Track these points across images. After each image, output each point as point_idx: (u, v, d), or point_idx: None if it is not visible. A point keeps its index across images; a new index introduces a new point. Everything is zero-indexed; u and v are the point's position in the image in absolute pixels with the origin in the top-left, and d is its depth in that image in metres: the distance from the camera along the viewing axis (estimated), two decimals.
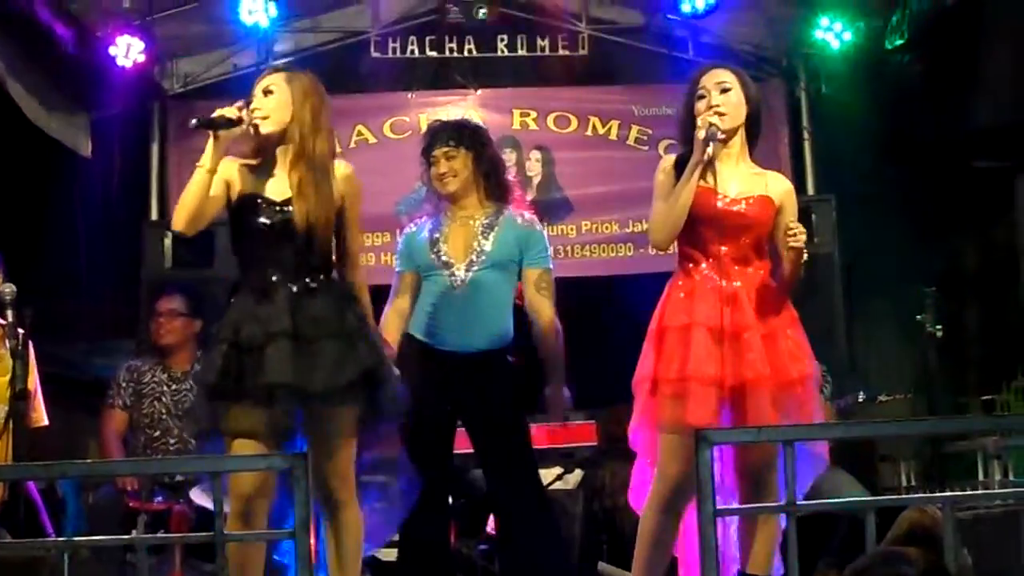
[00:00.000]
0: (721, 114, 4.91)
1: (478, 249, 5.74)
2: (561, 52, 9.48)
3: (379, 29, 9.41)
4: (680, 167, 4.92)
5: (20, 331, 5.59)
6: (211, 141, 4.75)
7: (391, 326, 5.79)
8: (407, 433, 5.68)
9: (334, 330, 4.75)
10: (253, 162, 4.90)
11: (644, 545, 4.89)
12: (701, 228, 4.89)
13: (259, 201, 4.82)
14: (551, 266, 5.88)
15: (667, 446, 4.82)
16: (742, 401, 4.77)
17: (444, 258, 5.76)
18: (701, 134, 4.82)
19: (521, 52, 9.47)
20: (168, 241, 8.70)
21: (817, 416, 4.93)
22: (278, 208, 4.79)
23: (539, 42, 9.49)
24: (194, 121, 4.79)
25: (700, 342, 4.79)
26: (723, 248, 4.89)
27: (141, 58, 8.43)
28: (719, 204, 4.88)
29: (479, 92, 9.51)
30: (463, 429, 5.88)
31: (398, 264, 5.98)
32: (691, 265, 4.94)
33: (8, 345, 5.68)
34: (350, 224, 4.92)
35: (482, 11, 9.04)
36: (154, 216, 9.17)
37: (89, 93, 8.57)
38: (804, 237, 4.80)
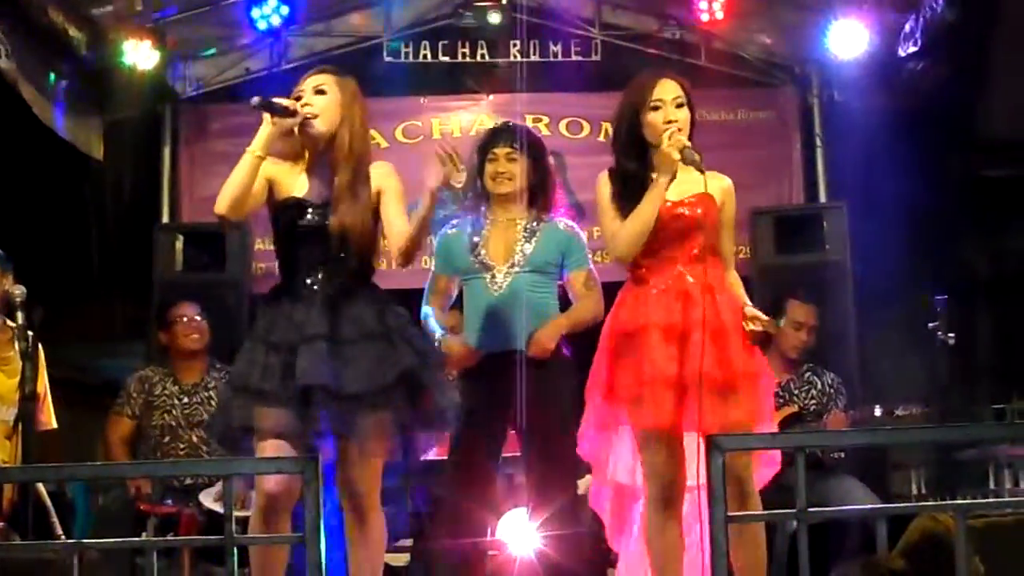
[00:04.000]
0: (679, 129, 4.87)
1: (519, 252, 5.76)
2: (574, 58, 9.48)
3: (392, 34, 9.41)
4: (618, 181, 4.94)
5: (30, 333, 5.61)
6: (265, 127, 4.72)
7: (436, 317, 5.81)
8: (458, 438, 5.69)
9: (373, 331, 4.71)
10: (291, 163, 4.87)
11: (651, 548, 4.89)
12: (650, 234, 4.88)
13: (298, 203, 4.81)
14: (592, 268, 5.91)
15: (643, 447, 4.84)
16: (687, 399, 4.76)
17: (484, 261, 5.76)
18: (675, 155, 4.78)
19: (534, 57, 9.46)
20: (179, 244, 8.70)
21: (765, 414, 4.93)
22: (316, 211, 4.78)
23: (552, 47, 9.50)
24: (256, 99, 4.72)
25: (655, 344, 4.79)
26: (672, 251, 4.88)
27: (154, 61, 8.44)
28: (665, 209, 4.85)
29: (491, 97, 9.52)
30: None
31: (435, 266, 5.98)
32: (643, 271, 4.93)
33: (18, 347, 5.69)
34: (389, 212, 4.84)
35: (495, 16, 9.05)
36: (166, 219, 9.18)
37: (102, 96, 8.59)
38: (760, 324, 4.84)
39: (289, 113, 4.74)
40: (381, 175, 4.87)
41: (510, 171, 5.79)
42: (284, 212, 4.82)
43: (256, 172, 4.72)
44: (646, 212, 4.84)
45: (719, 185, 5.00)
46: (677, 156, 4.78)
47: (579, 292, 5.83)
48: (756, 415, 4.84)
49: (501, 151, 5.82)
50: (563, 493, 5.74)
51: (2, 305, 6.03)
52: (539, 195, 5.87)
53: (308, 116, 4.78)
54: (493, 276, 5.75)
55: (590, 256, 5.98)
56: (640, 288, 4.92)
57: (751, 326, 4.83)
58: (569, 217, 6.09)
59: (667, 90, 4.93)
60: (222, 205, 4.73)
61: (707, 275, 4.84)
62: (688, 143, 4.82)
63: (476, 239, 5.80)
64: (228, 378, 4.92)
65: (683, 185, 4.90)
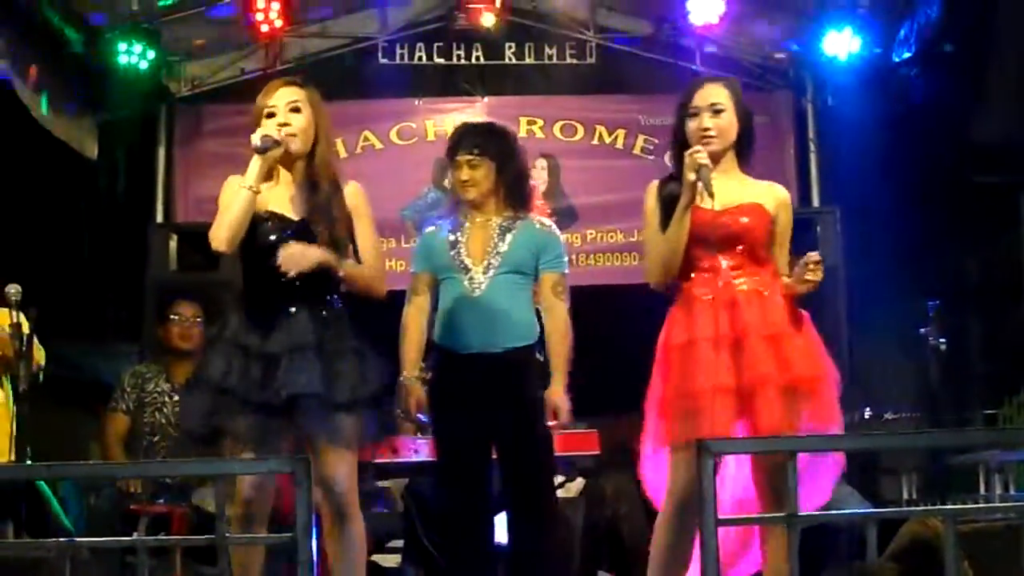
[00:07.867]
0: (712, 137, 4.81)
1: (494, 252, 5.65)
2: (568, 60, 9.50)
3: (387, 35, 9.42)
4: (666, 192, 4.86)
5: (24, 331, 5.61)
6: (255, 162, 4.72)
7: (414, 325, 5.71)
8: (439, 443, 5.70)
9: (351, 345, 4.79)
10: (268, 182, 4.86)
11: (658, 561, 4.83)
12: (692, 244, 4.83)
13: (278, 217, 4.81)
14: (567, 272, 5.79)
15: (674, 462, 4.76)
16: (751, 404, 4.71)
17: (462, 260, 5.69)
18: (691, 176, 4.71)
19: (528, 60, 9.49)
20: (173, 244, 8.71)
21: (835, 415, 4.85)
22: (295, 224, 4.79)
23: (547, 50, 9.51)
24: (257, 145, 4.72)
25: (703, 355, 4.73)
26: (717, 260, 4.83)
27: (149, 61, 8.44)
28: (708, 218, 4.79)
29: (486, 99, 9.52)
30: None
31: (414, 265, 5.89)
32: (686, 283, 4.87)
33: (13, 346, 5.68)
34: (364, 236, 4.93)
35: (489, 18, 9.05)
36: (159, 219, 9.18)
37: (96, 95, 8.59)
38: (821, 272, 4.73)
39: (278, 144, 4.77)
40: (353, 194, 4.92)
41: (472, 178, 5.67)
42: (262, 225, 4.80)
43: (253, 207, 4.73)
44: (672, 240, 4.80)
45: (774, 196, 4.97)
46: (692, 177, 4.71)
47: (548, 298, 5.69)
48: (824, 417, 4.78)
49: (462, 158, 5.70)
50: (541, 495, 5.73)
51: None
52: (511, 193, 5.75)
53: (287, 138, 4.80)
54: (471, 276, 5.68)
55: (566, 259, 5.86)
56: (687, 302, 4.85)
57: (808, 276, 4.71)
58: (562, 220, 6.04)
59: (705, 95, 4.88)
60: (222, 242, 4.71)
61: (752, 282, 4.81)
62: (706, 162, 4.71)
63: (453, 237, 5.73)
64: (202, 376, 4.82)
65: (731, 193, 4.84)
